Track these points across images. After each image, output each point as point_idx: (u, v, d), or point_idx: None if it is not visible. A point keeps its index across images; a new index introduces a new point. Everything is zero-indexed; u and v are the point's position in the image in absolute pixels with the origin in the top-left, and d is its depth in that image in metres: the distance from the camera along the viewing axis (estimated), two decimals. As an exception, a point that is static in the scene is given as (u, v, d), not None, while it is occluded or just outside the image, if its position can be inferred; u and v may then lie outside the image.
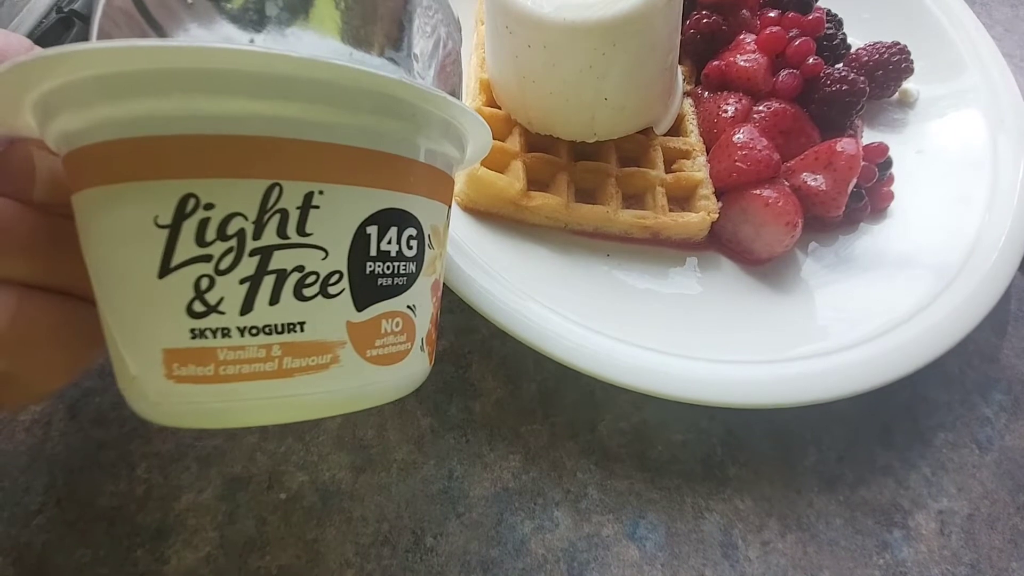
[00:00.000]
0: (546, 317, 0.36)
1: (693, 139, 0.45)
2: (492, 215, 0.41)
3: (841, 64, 0.48)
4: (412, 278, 0.22)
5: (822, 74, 0.42)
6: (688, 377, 0.35)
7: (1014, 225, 0.41)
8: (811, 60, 0.42)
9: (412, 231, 0.21)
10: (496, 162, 0.41)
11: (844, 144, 0.40)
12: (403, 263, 0.21)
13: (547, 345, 0.35)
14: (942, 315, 0.39)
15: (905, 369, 0.37)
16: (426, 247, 0.22)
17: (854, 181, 0.40)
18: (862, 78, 0.42)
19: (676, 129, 0.46)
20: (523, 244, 0.40)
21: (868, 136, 0.49)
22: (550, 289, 0.38)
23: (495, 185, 0.39)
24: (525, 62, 0.38)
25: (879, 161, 0.43)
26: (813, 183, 0.41)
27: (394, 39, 0.22)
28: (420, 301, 0.23)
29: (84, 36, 0.49)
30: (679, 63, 0.48)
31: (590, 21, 0.33)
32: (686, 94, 0.47)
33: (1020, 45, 0.61)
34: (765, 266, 0.43)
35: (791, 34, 0.44)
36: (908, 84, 0.50)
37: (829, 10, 0.50)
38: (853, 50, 0.50)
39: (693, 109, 0.46)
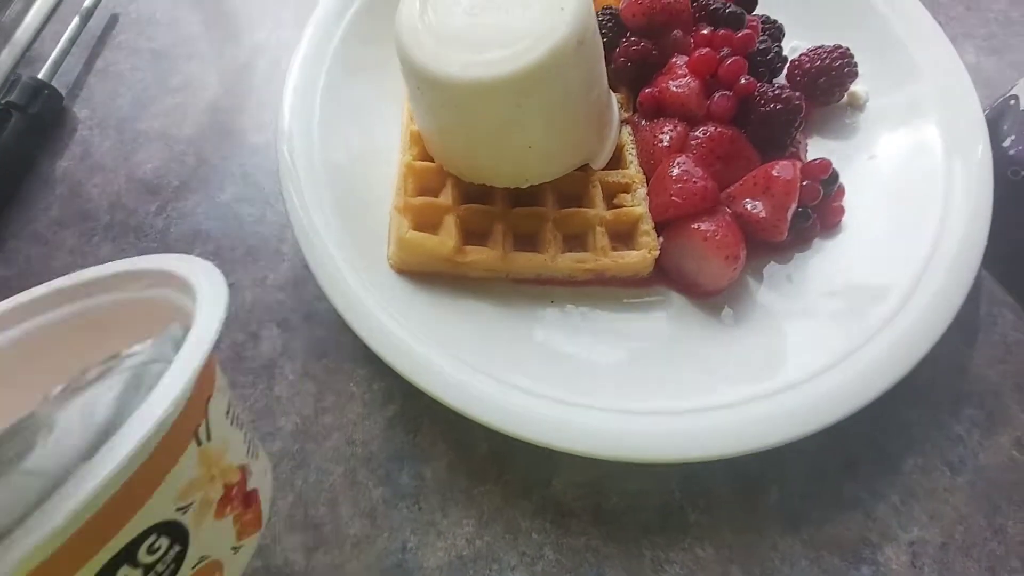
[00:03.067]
0: (485, 387, 0.35)
1: (632, 170, 0.43)
2: (430, 274, 0.41)
3: (781, 78, 0.47)
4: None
5: (756, 93, 0.41)
6: (638, 435, 0.34)
7: (969, 233, 0.39)
8: (744, 80, 0.41)
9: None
10: (429, 218, 0.41)
11: (780, 168, 0.38)
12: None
13: (489, 417, 0.34)
14: (899, 334, 0.37)
15: (859, 402, 0.35)
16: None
17: (793, 206, 0.38)
18: (797, 94, 0.40)
19: (616, 160, 0.45)
20: (461, 302, 0.40)
21: (818, 144, 0.48)
22: (489, 352, 0.37)
23: (424, 246, 0.38)
24: (442, 119, 0.37)
25: (823, 178, 0.41)
26: (753, 210, 0.39)
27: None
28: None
29: (22, 128, 0.49)
30: (614, 90, 0.47)
31: (497, 78, 0.32)
32: (624, 122, 0.46)
33: (983, 23, 0.59)
34: (716, 298, 0.41)
35: (722, 53, 0.42)
36: (856, 86, 0.48)
37: (767, 17, 0.48)
38: (797, 54, 0.48)
39: (632, 138, 0.45)
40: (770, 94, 0.40)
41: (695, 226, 0.39)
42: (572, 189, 0.43)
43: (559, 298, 0.42)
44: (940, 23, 0.60)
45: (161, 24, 0.56)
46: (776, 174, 0.38)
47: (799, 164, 0.39)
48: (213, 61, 0.55)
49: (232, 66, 0.55)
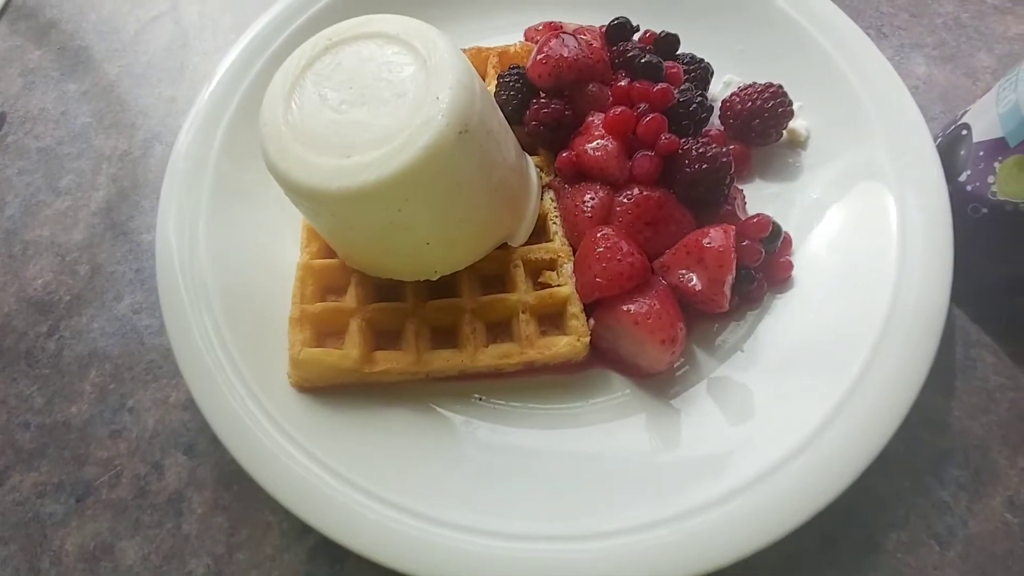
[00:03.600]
0: (392, 523, 0.31)
1: (557, 243, 0.40)
2: (337, 386, 0.36)
3: (715, 117, 0.43)
4: None
5: (680, 151, 0.37)
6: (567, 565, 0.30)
7: (931, 280, 0.36)
8: (665, 137, 0.37)
9: None
10: (331, 325, 0.37)
11: (712, 236, 0.35)
12: None
13: (396, 562, 0.30)
14: (863, 413, 0.33)
15: (827, 493, 0.31)
16: None
17: (730, 276, 0.34)
18: (724, 151, 0.36)
19: (540, 232, 0.41)
20: (373, 417, 0.36)
21: (759, 188, 0.44)
22: (401, 477, 0.33)
23: (324, 362, 0.34)
24: (324, 225, 0.33)
25: (763, 236, 0.37)
26: (688, 282, 0.35)
27: None
28: None
29: None
30: (532, 153, 0.43)
31: (367, 185, 0.29)
32: (547, 187, 0.42)
33: (931, 30, 0.55)
34: (660, 377, 0.37)
35: (640, 110, 0.38)
36: (796, 123, 0.44)
37: (692, 57, 0.45)
38: (729, 93, 0.44)
39: (555, 204, 0.41)
40: (695, 153, 0.36)
41: (625, 308, 0.35)
42: (492, 271, 0.39)
43: (487, 392, 0.38)
44: (886, 35, 0.57)
45: (49, 120, 0.52)
46: (708, 244, 0.34)
47: (732, 229, 0.35)
48: (105, 156, 0.51)
49: (125, 159, 0.51)
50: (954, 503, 0.37)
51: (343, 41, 0.33)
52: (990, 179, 0.36)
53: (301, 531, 0.37)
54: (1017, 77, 0.35)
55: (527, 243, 0.40)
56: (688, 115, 0.39)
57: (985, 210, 0.37)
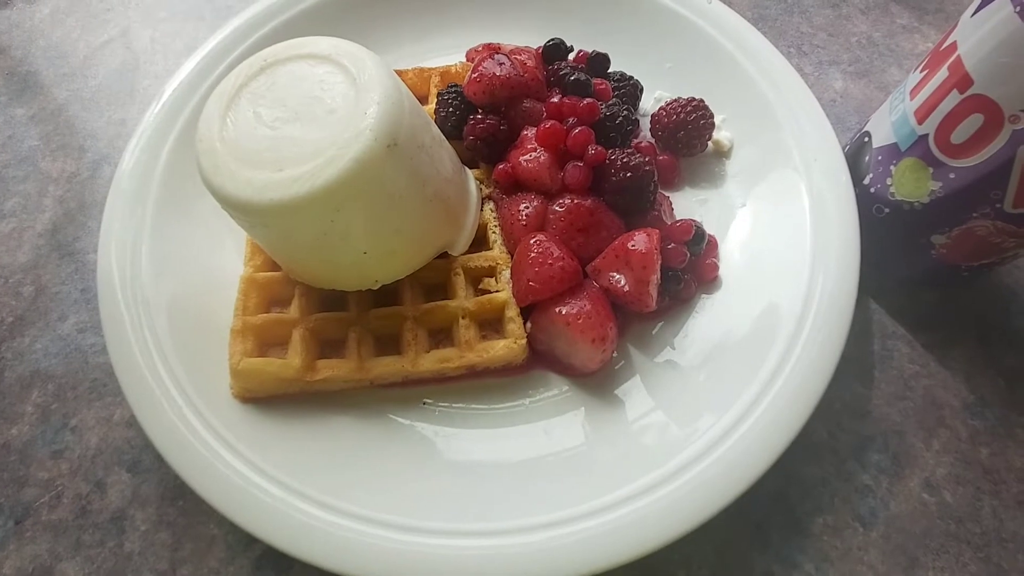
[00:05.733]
0: (336, 529, 0.32)
1: (496, 251, 0.41)
2: (281, 396, 0.37)
3: (647, 131, 0.46)
4: None
5: (607, 161, 0.39)
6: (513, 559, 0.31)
7: (840, 279, 0.38)
8: (592, 149, 0.39)
9: None
10: (274, 336, 0.38)
11: (636, 241, 0.37)
12: None
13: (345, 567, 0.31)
14: (779, 401, 0.35)
15: (746, 478, 0.33)
16: None
17: (655, 277, 0.36)
18: (647, 160, 0.39)
19: (480, 241, 0.43)
20: (318, 425, 0.36)
21: (689, 195, 0.46)
22: (347, 483, 0.34)
23: (265, 372, 0.35)
24: (262, 238, 0.34)
25: (687, 239, 0.40)
26: (618, 283, 0.37)
27: None
28: None
29: None
30: (473, 167, 0.45)
31: (297, 198, 0.30)
32: (488, 198, 0.44)
33: (847, 48, 0.60)
34: (597, 375, 0.39)
35: (569, 123, 0.41)
36: (720, 134, 0.47)
37: (622, 75, 0.48)
38: (657, 107, 0.47)
39: (495, 215, 0.43)
40: (619, 162, 0.39)
41: (557, 310, 0.37)
42: (434, 280, 0.41)
43: (433, 396, 0.39)
44: (805, 53, 0.61)
45: (-5, 144, 0.53)
46: (632, 247, 0.36)
47: (656, 233, 0.37)
48: (52, 178, 0.51)
49: (73, 181, 0.51)
50: (876, 486, 0.40)
51: (278, 62, 0.34)
52: (888, 181, 0.39)
53: (247, 542, 0.37)
54: (904, 89, 0.38)
55: (468, 252, 0.41)
56: (615, 128, 0.41)
57: (887, 210, 0.40)
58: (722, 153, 0.47)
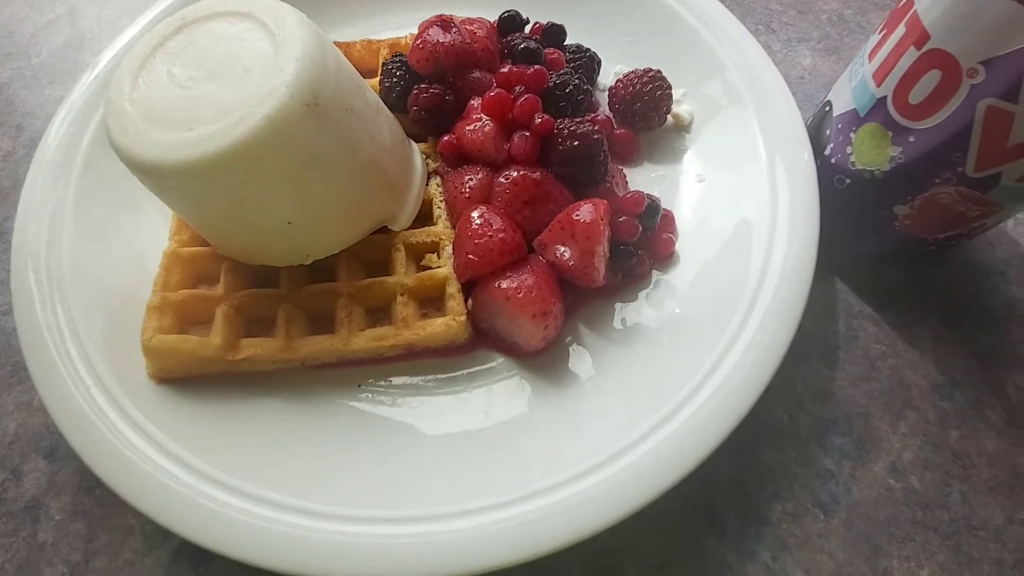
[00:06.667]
0: (258, 521, 0.29)
1: (440, 227, 0.39)
2: (204, 377, 0.35)
3: (606, 107, 0.44)
4: None
5: (555, 130, 0.37)
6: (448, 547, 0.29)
7: (795, 251, 0.36)
8: (539, 118, 0.37)
9: None
10: (197, 314, 0.35)
11: (581, 211, 0.35)
12: None
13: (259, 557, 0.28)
14: (734, 381, 0.33)
15: (690, 460, 0.31)
16: None
17: (600, 248, 0.34)
18: (596, 128, 0.37)
19: (425, 217, 0.41)
20: (240, 410, 0.34)
21: (648, 170, 0.44)
22: (268, 470, 0.31)
23: (181, 350, 0.33)
24: (175, 205, 0.32)
25: (639, 212, 0.38)
26: (563, 257, 0.35)
27: None
28: None
29: None
30: (421, 140, 0.43)
31: (205, 157, 0.28)
32: (435, 173, 0.42)
33: (817, 25, 0.58)
34: (543, 356, 0.37)
35: (517, 91, 0.39)
36: (681, 108, 0.45)
37: (578, 47, 0.46)
38: (614, 81, 0.45)
39: (441, 190, 0.41)
40: (566, 131, 0.37)
41: (497, 284, 0.34)
42: (374, 256, 0.39)
43: (372, 378, 0.36)
44: (774, 30, 0.59)
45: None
46: (577, 217, 0.34)
47: (603, 203, 0.35)
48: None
49: (8, 160, 0.49)
50: (838, 471, 0.38)
51: (197, 20, 0.32)
52: (848, 150, 0.37)
53: (164, 534, 0.34)
54: (864, 53, 0.36)
55: (411, 228, 0.39)
56: (565, 97, 0.39)
57: (848, 180, 0.38)
58: (682, 127, 0.45)
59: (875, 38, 0.35)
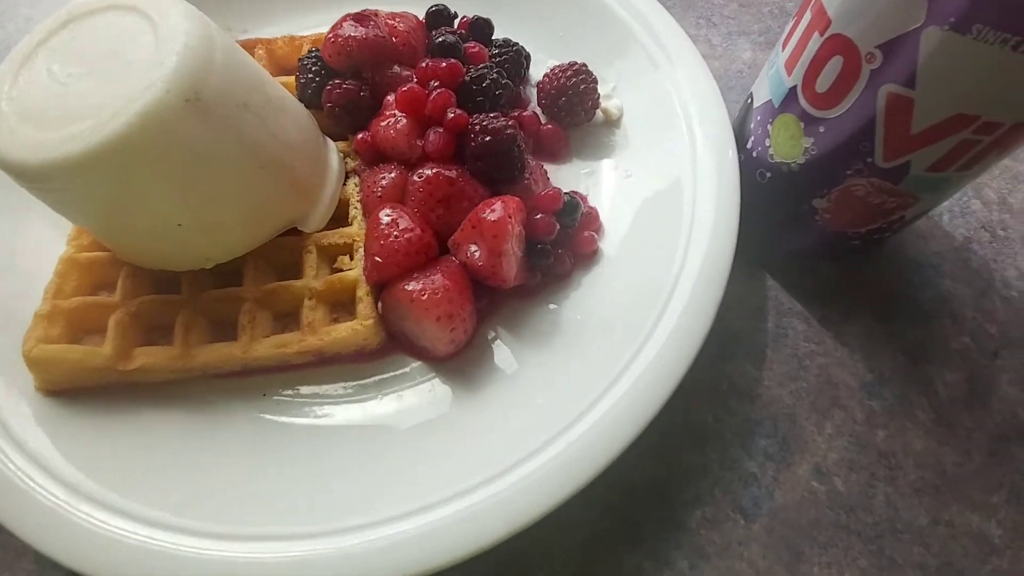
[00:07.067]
0: (145, 544, 0.28)
1: (355, 228, 0.38)
2: (98, 389, 0.33)
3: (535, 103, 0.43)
4: None
5: (469, 126, 0.36)
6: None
7: (713, 246, 0.35)
8: (452, 113, 0.36)
9: None
10: (92, 321, 0.34)
11: (491, 209, 0.34)
12: None
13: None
14: (638, 382, 0.32)
15: (593, 469, 0.30)
16: None
17: (508, 247, 0.33)
18: (510, 123, 0.36)
19: (342, 218, 0.39)
20: (128, 423, 0.32)
21: (577, 166, 0.43)
22: (158, 488, 0.30)
23: (67, 360, 0.31)
24: (58, 207, 0.31)
25: (556, 209, 0.37)
26: (473, 256, 0.34)
27: None
28: None
29: None
30: (342, 139, 0.42)
31: (72, 157, 0.26)
32: (354, 172, 0.41)
33: (758, 19, 0.57)
34: (455, 362, 0.36)
35: (432, 86, 0.38)
36: (610, 103, 0.44)
37: (505, 41, 0.45)
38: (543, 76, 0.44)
39: (359, 190, 0.40)
40: (478, 127, 0.36)
41: (403, 286, 0.33)
42: (285, 259, 0.37)
43: (278, 386, 0.35)
44: (715, 23, 0.58)
45: None
46: (485, 216, 0.33)
47: (513, 201, 0.34)
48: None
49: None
50: (761, 474, 0.37)
51: (82, 16, 0.31)
52: (767, 143, 0.36)
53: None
54: (779, 44, 0.35)
55: (326, 229, 0.38)
56: (482, 91, 0.38)
57: (769, 174, 0.37)
58: (611, 123, 0.44)
59: (788, 25, 0.34)
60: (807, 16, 0.31)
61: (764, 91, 0.36)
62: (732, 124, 0.40)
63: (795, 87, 0.32)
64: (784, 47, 0.33)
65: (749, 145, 0.38)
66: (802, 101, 0.32)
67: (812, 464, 0.37)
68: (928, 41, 0.25)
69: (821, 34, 0.29)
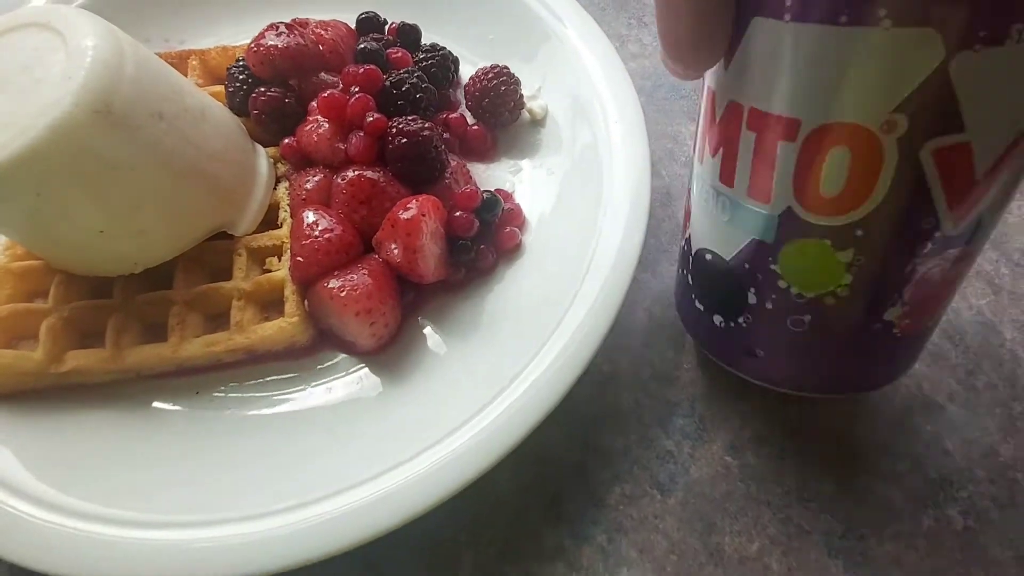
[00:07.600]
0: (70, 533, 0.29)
1: (284, 230, 0.39)
2: (31, 392, 0.35)
3: (457, 106, 0.44)
4: None
5: (388, 129, 0.38)
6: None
7: (623, 239, 0.37)
8: (371, 116, 0.38)
9: None
10: (26, 328, 0.35)
11: (404, 209, 0.35)
12: None
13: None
14: (548, 372, 0.33)
15: (505, 444, 0.32)
16: None
17: (422, 244, 0.35)
18: (426, 125, 0.37)
19: (272, 222, 0.41)
20: (61, 423, 0.34)
21: (504, 165, 0.45)
22: (98, 485, 0.31)
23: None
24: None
25: (475, 207, 0.38)
26: (394, 253, 0.36)
27: None
28: None
29: None
30: (273, 144, 0.43)
31: (-19, 170, 0.28)
32: (284, 177, 0.42)
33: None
34: (386, 354, 0.37)
35: (352, 92, 0.39)
36: (535, 103, 0.46)
37: (432, 46, 0.46)
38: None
39: (288, 193, 0.41)
40: (395, 129, 0.37)
41: (324, 284, 0.35)
42: (216, 262, 0.39)
43: (210, 385, 0.37)
44: (647, 24, 0.60)
45: None
46: (400, 215, 0.35)
47: (429, 200, 0.36)
48: None
49: None
50: (677, 451, 0.39)
51: (-1, 34, 0.32)
52: (782, 284, 0.29)
53: None
54: (706, 180, 0.31)
55: (257, 232, 0.40)
56: (402, 95, 0.40)
57: (808, 316, 0.30)
58: (537, 122, 0.46)
59: (710, 152, 0.28)
60: (746, 134, 0.25)
61: (736, 238, 0.29)
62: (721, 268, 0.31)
63: (788, 210, 0.26)
64: (729, 179, 0.27)
65: (755, 301, 0.30)
66: (810, 218, 0.25)
67: (726, 440, 0.39)
68: (961, 70, 0.20)
69: (790, 140, 0.23)
